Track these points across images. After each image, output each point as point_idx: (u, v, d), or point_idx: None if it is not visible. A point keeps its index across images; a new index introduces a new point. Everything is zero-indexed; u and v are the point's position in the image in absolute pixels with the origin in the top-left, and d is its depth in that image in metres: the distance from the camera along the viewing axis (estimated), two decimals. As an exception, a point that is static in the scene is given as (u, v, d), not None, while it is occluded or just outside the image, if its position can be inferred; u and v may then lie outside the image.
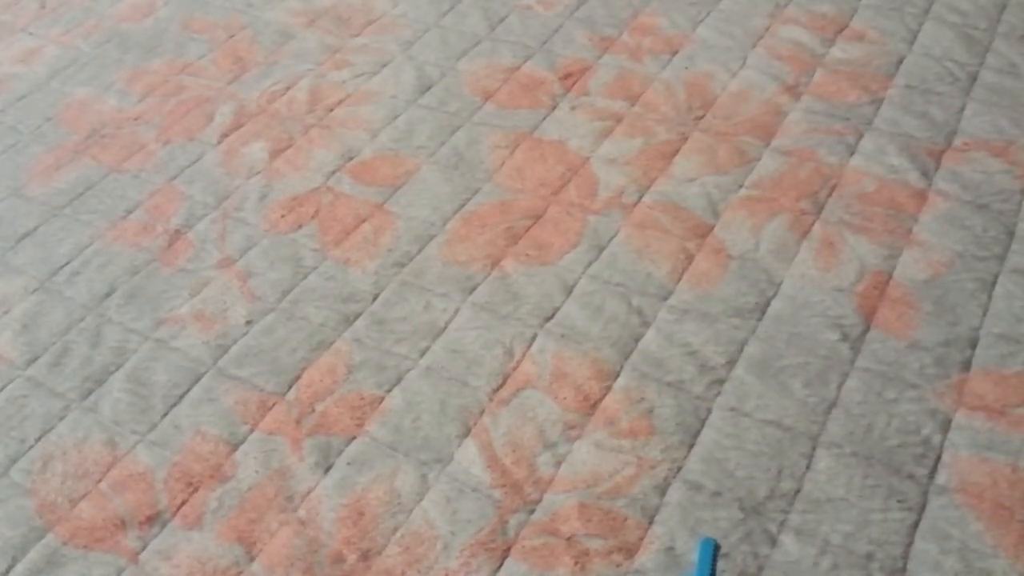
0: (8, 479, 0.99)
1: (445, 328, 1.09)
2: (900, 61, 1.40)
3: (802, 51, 1.44)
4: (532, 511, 0.91)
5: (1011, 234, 1.13)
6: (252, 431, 1.01)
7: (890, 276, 1.09)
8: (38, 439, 1.03)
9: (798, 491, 0.90)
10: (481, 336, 1.07)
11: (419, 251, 1.18)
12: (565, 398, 1.00)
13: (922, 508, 0.88)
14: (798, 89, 1.37)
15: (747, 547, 0.86)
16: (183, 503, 0.95)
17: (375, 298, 1.13)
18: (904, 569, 0.84)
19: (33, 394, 1.07)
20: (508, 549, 0.88)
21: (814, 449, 0.93)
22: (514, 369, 1.03)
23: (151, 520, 0.94)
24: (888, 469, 0.91)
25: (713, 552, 0.86)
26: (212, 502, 0.95)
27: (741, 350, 1.03)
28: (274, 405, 1.03)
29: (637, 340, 1.05)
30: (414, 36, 1.56)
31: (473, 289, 1.13)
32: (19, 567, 0.92)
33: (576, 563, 0.87)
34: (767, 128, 1.31)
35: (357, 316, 1.11)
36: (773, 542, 0.87)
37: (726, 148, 1.28)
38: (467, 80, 1.45)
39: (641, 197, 1.22)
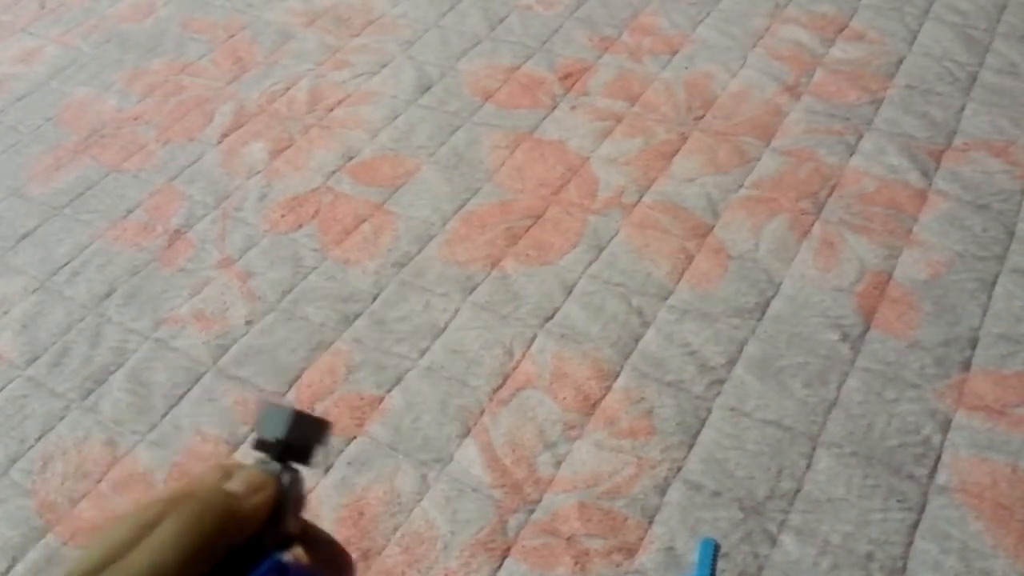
0: (8, 479, 0.99)
1: (445, 328, 1.09)
2: (900, 61, 1.40)
3: (802, 51, 1.44)
4: (532, 511, 0.91)
5: (1011, 234, 1.13)
6: (252, 431, 1.01)
7: (890, 276, 1.09)
8: (38, 439, 1.03)
9: (798, 491, 0.90)
10: (481, 336, 1.07)
11: (419, 251, 1.18)
12: (565, 398, 1.00)
13: (922, 508, 0.88)
14: (798, 89, 1.37)
15: (747, 547, 0.86)
16: (183, 503, 0.95)
17: (375, 298, 1.13)
18: (904, 569, 0.84)
19: (33, 394, 1.07)
20: (508, 549, 0.88)
21: (814, 449, 0.93)
22: (514, 369, 1.03)
23: (151, 520, 0.94)
24: (888, 469, 0.91)
25: (713, 552, 0.86)
26: (212, 502, 0.95)
27: (741, 350, 1.03)
28: (274, 405, 1.03)
29: (637, 340, 1.05)
30: (414, 36, 1.56)
31: (473, 289, 1.13)
32: (19, 567, 0.92)
33: (576, 563, 0.87)
34: (767, 128, 1.31)
35: (357, 316, 1.11)
36: (773, 542, 0.87)
37: (726, 148, 1.28)
38: (467, 80, 1.45)
39: (641, 197, 1.22)
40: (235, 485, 0.31)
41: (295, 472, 0.34)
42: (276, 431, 0.34)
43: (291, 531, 0.33)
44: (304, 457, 0.34)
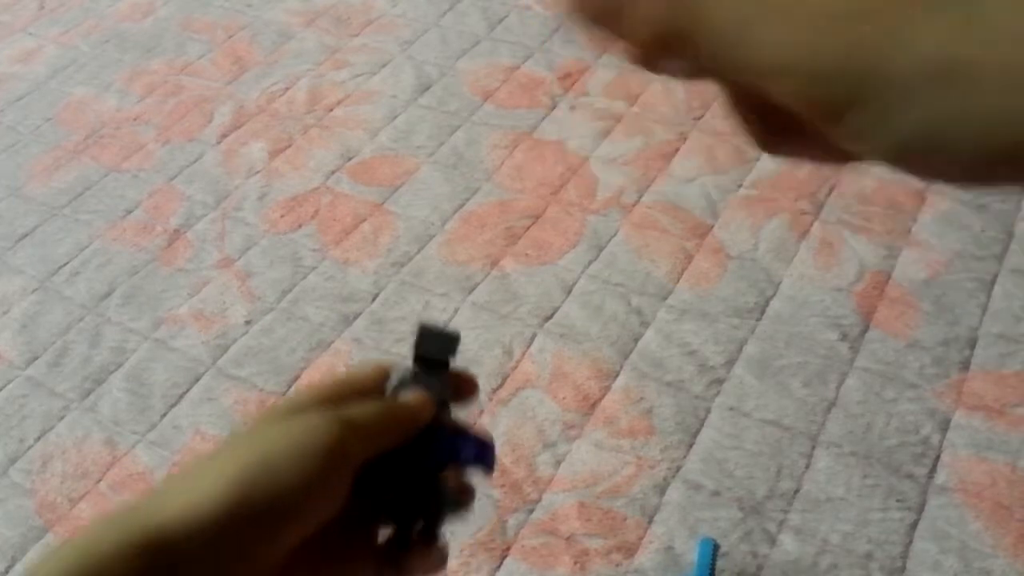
0: (8, 479, 0.99)
1: (444, 328, 1.09)
2: (899, 61, 1.40)
3: (801, 51, 1.43)
4: (531, 511, 0.91)
5: (1010, 234, 1.13)
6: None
7: (889, 276, 1.09)
8: (37, 439, 1.03)
9: (797, 491, 0.90)
10: (480, 336, 1.07)
11: (418, 251, 1.18)
12: (564, 398, 1.00)
13: (921, 508, 0.88)
14: (797, 89, 1.36)
15: (746, 547, 0.87)
16: (183, 503, 0.95)
17: (374, 298, 1.13)
18: (903, 568, 0.84)
19: (32, 394, 1.07)
20: (508, 549, 0.89)
21: (813, 449, 0.93)
22: (513, 369, 1.03)
23: (151, 520, 0.94)
24: (887, 469, 0.91)
25: (712, 552, 0.86)
26: (212, 502, 0.95)
27: (740, 350, 1.03)
28: (273, 405, 1.03)
29: (636, 340, 1.05)
30: (413, 36, 1.56)
31: (472, 289, 1.13)
32: (19, 567, 0.92)
33: (575, 563, 0.87)
34: (766, 128, 1.30)
35: (357, 316, 1.11)
36: (772, 541, 0.87)
37: (725, 148, 1.28)
38: (466, 80, 1.45)
39: (640, 197, 1.22)
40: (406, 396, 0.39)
41: (445, 378, 0.41)
42: (437, 351, 0.41)
43: (451, 423, 0.41)
44: (446, 366, 0.42)
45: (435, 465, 0.39)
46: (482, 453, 0.40)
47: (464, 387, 0.42)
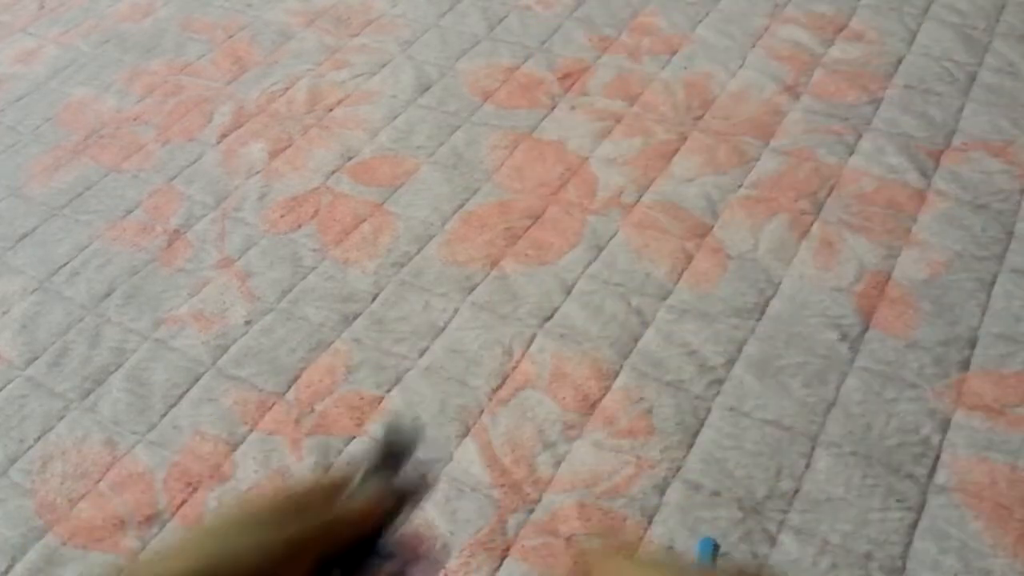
0: (8, 479, 0.99)
1: (444, 328, 1.09)
2: (899, 61, 1.40)
3: (801, 51, 1.44)
4: (531, 511, 0.91)
5: (1010, 234, 1.13)
6: (251, 431, 1.01)
7: (889, 276, 1.09)
8: (37, 439, 1.03)
9: (797, 491, 0.90)
10: (480, 336, 1.07)
11: (418, 251, 1.18)
12: (564, 398, 1.00)
13: (921, 507, 0.88)
14: (797, 89, 1.37)
15: (746, 547, 0.87)
16: (182, 503, 0.95)
17: (374, 298, 1.13)
18: (903, 568, 0.84)
19: (32, 394, 1.07)
20: (508, 549, 0.89)
21: (813, 449, 0.93)
22: (513, 369, 1.03)
23: (150, 520, 0.94)
24: (887, 469, 0.91)
25: (712, 552, 0.86)
26: (211, 502, 0.95)
27: (740, 350, 1.03)
28: (273, 405, 1.03)
29: (636, 340, 1.05)
30: (413, 36, 1.56)
31: (472, 289, 1.13)
32: (19, 567, 0.92)
33: (576, 563, 0.87)
34: (766, 128, 1.31)
35: (356, 316, 1.11)
36: (772, 541, 0.87)
37: (725, 148, 1.28)
38: (466, 80, 1.45)
39: (640, 197, 1.22)
40: (354, 502, 0.38)
41: (403, 477, 0.41)
42: (401, 447, 0.41)
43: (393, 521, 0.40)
44: (401, 462, 0.42)
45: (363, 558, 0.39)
46: (387, 557, 0.40)
47: (419, 491, 0.42)
